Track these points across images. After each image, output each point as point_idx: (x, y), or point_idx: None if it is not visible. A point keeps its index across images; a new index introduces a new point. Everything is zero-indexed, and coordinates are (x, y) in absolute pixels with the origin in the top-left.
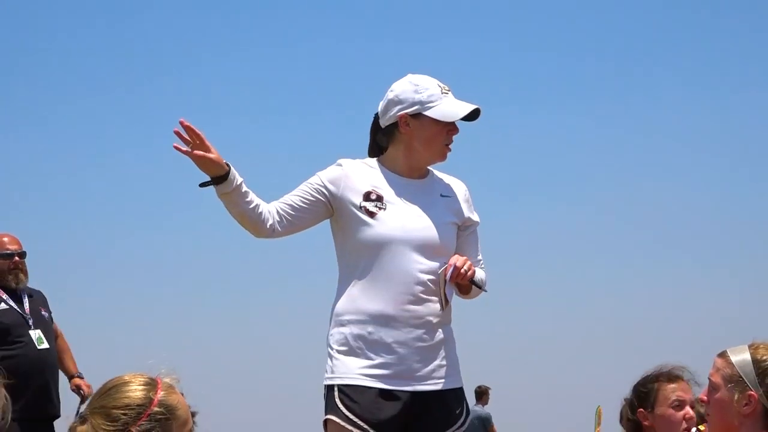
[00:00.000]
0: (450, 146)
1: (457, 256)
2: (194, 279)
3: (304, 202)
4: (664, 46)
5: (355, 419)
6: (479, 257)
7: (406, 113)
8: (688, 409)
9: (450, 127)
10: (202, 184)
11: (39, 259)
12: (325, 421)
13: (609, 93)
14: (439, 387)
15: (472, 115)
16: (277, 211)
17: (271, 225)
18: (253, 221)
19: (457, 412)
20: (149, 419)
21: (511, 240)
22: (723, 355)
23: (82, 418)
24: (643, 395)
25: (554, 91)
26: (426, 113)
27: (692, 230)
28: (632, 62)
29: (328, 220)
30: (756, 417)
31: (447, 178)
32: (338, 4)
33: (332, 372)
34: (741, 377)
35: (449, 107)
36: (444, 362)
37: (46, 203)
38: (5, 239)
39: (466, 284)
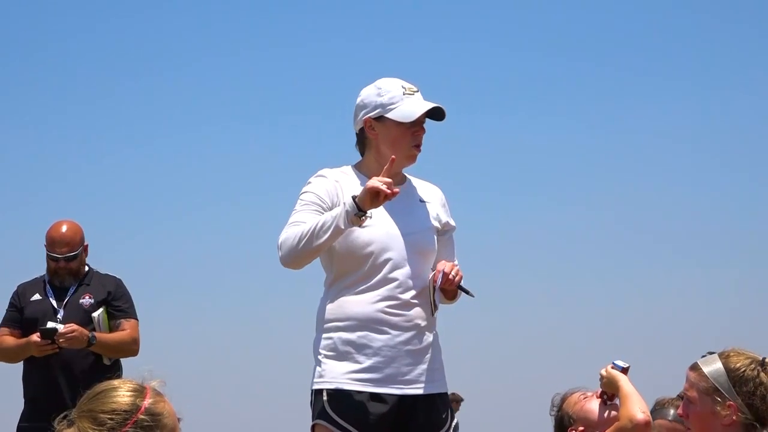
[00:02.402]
0: (419, 147)
1: (444, 261)
2: (181, 280)
3: None
4: (658, 46)
5: (344, 424)
6: (456, 261)
7: (370, 117)
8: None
9: (415, 129)
10: (362, 216)
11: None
12: (314, 426)
13: (603, 94)
14: (427, 391)
15: (439, 115)
16: None
17: None
18: (316, 256)
19: (444, 416)
20: (135, 426)
21: (501, 242)
22: (694, 368)
23: (69, 421)
24: (560, 420)
25: (549, 94)
26: (387, 115)
27: (685, 233)
28: (626, 63)
29: None
30: (737, 426)
31: (423, 184)
32: (338, 4)
33: (320, 377)
34: (717, 388)
35: (408, 107)
36: (431, 366)
37: (46, 203)
38: (62, 230)
39: (452, 290)
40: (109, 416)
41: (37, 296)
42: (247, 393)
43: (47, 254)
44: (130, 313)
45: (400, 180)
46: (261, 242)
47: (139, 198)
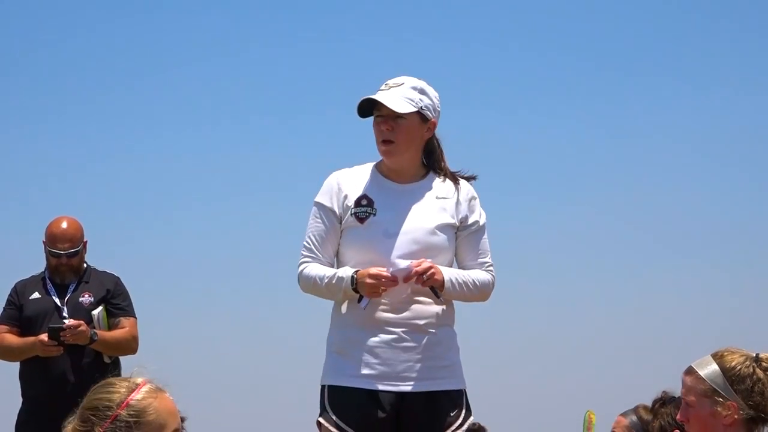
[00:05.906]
0: (386, 143)
1: (424, 260)
2: (192, 279)
3: (332, 238)
4: (659, 45)
5: (339, 422)
6: (482, 259)
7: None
8: None
9: (379, 122)
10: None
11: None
12: (318, 421)
13: (606, 93)
14: (427, 389)
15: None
16: (330, 265)
17: None
18: None
19: (452, 414)
20: (114, 422)
21: (505, 243)
22: (690, 371)
23: (70, 421)
24: None
25: (552, 92)
26: None
27: (687, 233)
28: (628, 62)
29: None
30: (738, 425)
31: (450, 180)
32: (348, 3)
33: (324, 373)
34: (715, 389)
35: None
36: (435, 363)
37: (40, 200)
38: (61, 227)
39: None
40: (92, 413)
41: (36, 294)
42: (253, 392)
43: (48, 250)
44: (128, 311)
45: (416, 176)
46: (263, 241)
47: (137, 195)
